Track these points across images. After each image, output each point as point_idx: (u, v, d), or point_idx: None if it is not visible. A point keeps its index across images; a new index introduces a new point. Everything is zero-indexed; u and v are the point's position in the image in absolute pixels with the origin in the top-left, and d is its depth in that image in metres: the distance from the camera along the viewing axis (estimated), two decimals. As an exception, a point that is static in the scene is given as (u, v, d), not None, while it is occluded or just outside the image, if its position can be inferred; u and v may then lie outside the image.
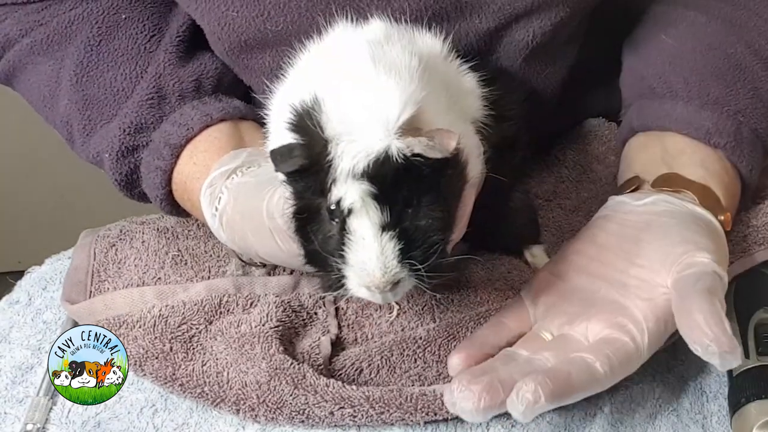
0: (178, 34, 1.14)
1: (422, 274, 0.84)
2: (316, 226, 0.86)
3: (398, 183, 0.82)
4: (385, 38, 0.91)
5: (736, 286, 1.00)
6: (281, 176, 0.87)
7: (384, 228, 0.82)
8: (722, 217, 1.00)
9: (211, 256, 1.12)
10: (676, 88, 1.09)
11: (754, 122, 1.07)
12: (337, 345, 1.01)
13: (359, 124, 0.81)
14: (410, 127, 0.82)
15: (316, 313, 1.04)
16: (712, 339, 0.83)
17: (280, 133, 0.88)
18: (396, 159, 0.81)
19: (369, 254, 0.83)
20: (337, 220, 0.84)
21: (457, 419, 0.92)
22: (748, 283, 1.00)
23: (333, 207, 0.83)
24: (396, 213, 0.83)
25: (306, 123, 0.83)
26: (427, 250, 0.84)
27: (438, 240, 0.84)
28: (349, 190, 0.82)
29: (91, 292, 1.08)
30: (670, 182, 1.03)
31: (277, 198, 0.92)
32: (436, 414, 0.92)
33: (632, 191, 1.04)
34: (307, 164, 0.83)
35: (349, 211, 0.83)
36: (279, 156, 0.84)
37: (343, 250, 0.84)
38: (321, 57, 0.94)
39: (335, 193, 0.83)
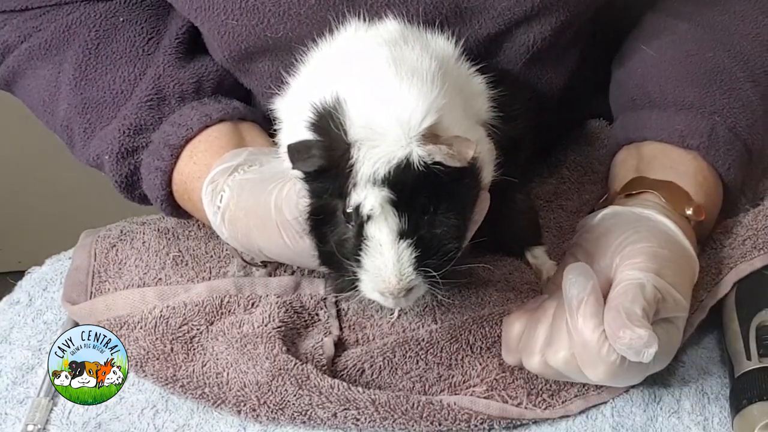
0: (177, 36, 1.14)
1: (436, 281, 0.84)
2: (332, 227, 0.87)
3: (417, 190, 0.83)
4: (402, 39, 0.91)
5: (737, 288, 1.00)
6: (298, 173, 0.87)
7: (401, 235, 0.83)
8: (690, 210, 1.01)
9: (211, 256, 1.12)
10: (653, 98, 1.10)
11: (731, 121, 1.07)
12: (339, 346, 1.01)
13: (382, 129, 0.82)
14: (430, 134, 0.82)
15: (317, 314, 1.04)
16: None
17: (296, 129, 0.88)
18: (416, 167, 0.81)
19: (385, 261, 0.83)
20: (353, 223, 0.85)
21: (460, 430, 0.92)
22: (750, 285, 1.00)
23: (350, 210, 0.84)
24: (413, 220, 0.83)
25: (327, 124, 0.83)
26: (442, 258, 0.84)
27: (453, 248, 0.85)
28: (368, 196, 0.82)
29: (91, 292, 1.08)
30: (634, 185, 1.04)
31: (287, 192, 0.92)
32: (440, 424, 0.92)
33: (603, 202, 1.06)
34: (326, 166, 0.83)
35: (368, 217, 0.83)
36: (296, 153, 0.84)
37: (359, 255, 0.84)
38: (337, 56, 0.94)
39: (354, 198, 0.83)
